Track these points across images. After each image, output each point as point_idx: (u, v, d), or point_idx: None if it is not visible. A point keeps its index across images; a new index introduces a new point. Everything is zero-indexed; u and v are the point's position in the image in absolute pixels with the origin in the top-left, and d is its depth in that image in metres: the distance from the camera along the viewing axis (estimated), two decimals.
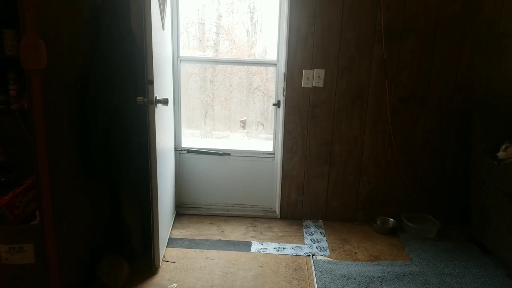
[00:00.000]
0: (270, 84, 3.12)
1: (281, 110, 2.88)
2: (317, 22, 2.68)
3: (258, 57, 3.13)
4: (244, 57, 3.16)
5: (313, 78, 2.77)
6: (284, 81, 2.80)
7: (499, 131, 2.46)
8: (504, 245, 2.25)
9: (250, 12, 3.08)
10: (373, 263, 2.35)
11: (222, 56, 3.15)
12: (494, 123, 2.52)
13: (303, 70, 2.76)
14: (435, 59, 2.72)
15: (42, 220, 1.78)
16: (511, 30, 2.66)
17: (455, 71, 2.74)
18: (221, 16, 3.06)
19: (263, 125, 3.32)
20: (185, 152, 3.02)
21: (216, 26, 3.07)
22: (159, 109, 2.18)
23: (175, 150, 2.99)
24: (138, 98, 2.03)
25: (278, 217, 3.01)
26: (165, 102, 2.15)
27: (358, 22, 2.67)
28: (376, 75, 2.75)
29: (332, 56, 2.73)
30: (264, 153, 3.04)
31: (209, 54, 3.14)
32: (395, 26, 2.67)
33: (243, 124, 3.33)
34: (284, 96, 2.82)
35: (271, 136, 3.06)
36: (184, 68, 3.01)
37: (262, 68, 3.14)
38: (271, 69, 3.01)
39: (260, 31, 3.10)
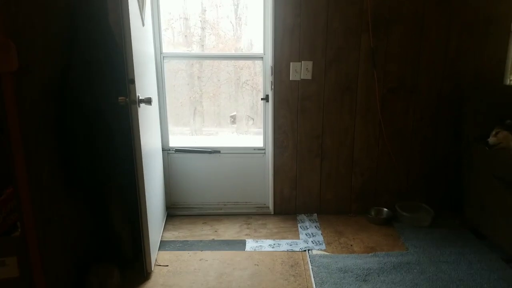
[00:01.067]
0: (259, 78, 3.06)
1: (270, 105, 2.83)
2: (302, 13, 2.62)
3: (245, 51, 3.07)
4: (231, 51, 3.10)
5: (301, 70, 2.71)
6: (271, 74, 2.74)
7: (489, 117, 2.45)
8: (498, 229, 2.25)
9: (235, 5, 3.01)
10: (369, 254, 2.33)
11: (208, 51, 3.07)
12: (484, 109, 2.51)
13: (291, 63, 2.70)
14: (423, 47, 2.69)
15: (24, 231, 1.69)
16: (497, 16, 2.64)
17: (443, 59, 2.71)
18: (205, 10, 2.99)
19: (253, 119, 3.29)
20: (173, 151, 2.95)
21: (201, 21, 3.01)
22: (143, 109, 2.10)
23: (163, 150, 2.91)
24: (119, 98, 1.95)
25: (272, 213, 2.97)
26: (148, 101, 2.07)
27: (345, 12, 2.62)
28: (364, 66, 2.71)
29: (319, 47, 2.68)
30: (254, 148, 2.98)
31: (195, 49, 3.07)
32: (382, 15, 2.63)
33: (233, 119, 3.28)
34: (272, 90, 2.76)
35: (254, 131, 3.00)
36: (170, 65, 2.93)
37: (249, 62, 3.08)
38: (259, 62, 2.95)
39: (245, 24, 3.04)
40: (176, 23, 2.97)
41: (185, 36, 3.03)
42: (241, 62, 3.09)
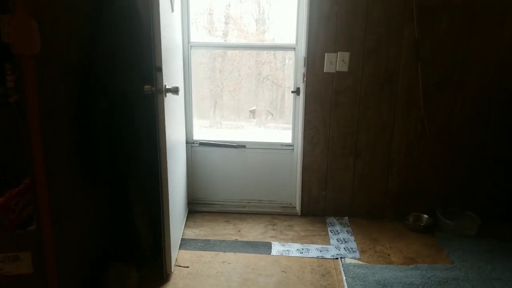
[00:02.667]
0: (279, 73, 3.01)
1: (300, 98, 2.64)
2: (340, 0, 2.41)
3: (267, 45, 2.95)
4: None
5: (336, 62, 2.51)
6: (304, 66, 2.55)
7: None
8: None
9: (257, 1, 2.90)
10: (410, 266, 2.10)
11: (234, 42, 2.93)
12: None
13: (326, 54, 2.50)
14: (473, 39, 2.44)
15: (39, 226, 1.58)
16: None
17: (495, 51, 2.45)
18: (229, 5, 2.93)
19: (272, 114, 3.23)
20: (197, 145, 2.80)
21: (224, 16, 2.95)
22: (169, 99, 1.95)
23: (187, 143, 2.77)
24: (145, 86, 1.82)
25: (299, 214, 2.78)
26: (175, 91, 1.92)
27: None
28: (406, 58, 2.48)
29: (357, 37, 2.47)
30: (282, 144, 2.80)
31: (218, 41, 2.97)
32: (429, 3, 2.38)
33: (252, 114, 3.22)
34: (304, 82, 2.56)
35: (281, 125, 2.86)
36: (194, 56, 2.77)
37: (271, 57, 2.97)
38: (280, 58, 2.81)
39: (268, 19, 2.97)
40: (200, 17, 2.92)
41: (209, 30, 2.98)
42: (263, 57, 2.99)
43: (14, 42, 1.43)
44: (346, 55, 2.51)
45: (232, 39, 3.00)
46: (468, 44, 2.46)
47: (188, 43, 2.66)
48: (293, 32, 2.64)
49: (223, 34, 3.00)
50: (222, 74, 3.12)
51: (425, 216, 2.60)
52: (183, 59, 2.62)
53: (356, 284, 1.93)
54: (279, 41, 2.89)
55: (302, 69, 2.59)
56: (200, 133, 2.93)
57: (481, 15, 2.40)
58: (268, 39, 2.99)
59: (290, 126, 2.80)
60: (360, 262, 2.15)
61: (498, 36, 2.43)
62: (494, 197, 2.63)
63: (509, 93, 2.48)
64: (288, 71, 2.98)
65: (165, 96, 1.86)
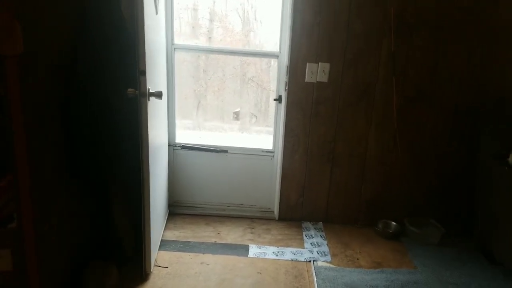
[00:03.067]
0: (265, 75, 3.00)
1: (282, 106, 2.72)
2: (323, 11, 2.50)
3: (252, 45, 2.97)
4: (238, 44, 2.99)
5: (317, 72, 2.61)
6: (286, 74, 2.63)
7: (509, 135, 2.34)
8: None
9: None
10: (376, 270, 2.23)
11: (216, 43, 2.96)
12: (505, 126, 2.40)
13: (307, 63, 2.60)
14: (446, 56, 2.58)
15: (20, 223, 1.60)
16: None
17: (465, 70, 2.60)
18: (215, 1, 2.89)
19: (256, 117, 3.23)
20: (179, 148, 2.85)
21: (209, 13, 2.91)
22: (152, 102, 2.00)
23: (169, 145, 2.82)
24: (129, 89, 1.85)
25: (277, 218, 2.87)
26: (158, 95, 1.97)
27: (367, 13, 2.51)
28: (384, 71, 2.60)
29: (338, 49, 2.57)
30: (263, 150, 2.88)
31: (202, 41, 2.97)
32: (406, 19, 2.51)
33: (236, 115, 3.22)
34: (286, 91, 2.65)
35: (264, 129, 2.92)
36: (177, 54, 2.80)
37: (257, 58, 2.97)
38: (266, 59, 2.85)
39: (255, 19, 2.96)
40: (184, 13, 2.87)
41: (193, 27, 2.94)
42: (249, 58, 3.00)
43: None
44: (326, 66, 2.61)
45: (217, 37, 2.96)
46: (440, 61, 2.58)
47: (172, 45, 2.68)
48: (277, 38, 2.71)
49: (208, 31, 2.97)
50: (206, 74, 3.08)
51: (393, 223, 2.74)
52: (167, 61, 2.65)
53: (326, 286, 2.04)
54: (264, 42, 2.90)
55: (284, 78, 2.68)
56: (183, 136, 2.96)
57: (455, 35, 2.53)
58: (253, 40, 2.98)
59: (273, 130, 2.87)
60: (331, 265, 2.27)
61: (468, 55, 2.57)
62: (459, 208, 2.79)
63: (474, 111, 2.64)
64: (273, 73, 2.99)
65: (149, 100, 1.91)
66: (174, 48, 2.71)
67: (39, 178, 1.63)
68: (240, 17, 2.96)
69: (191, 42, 2.93)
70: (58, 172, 1.79)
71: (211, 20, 2.93)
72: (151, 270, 2.10)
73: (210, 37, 2.98)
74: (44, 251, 1.68)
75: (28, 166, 1.56)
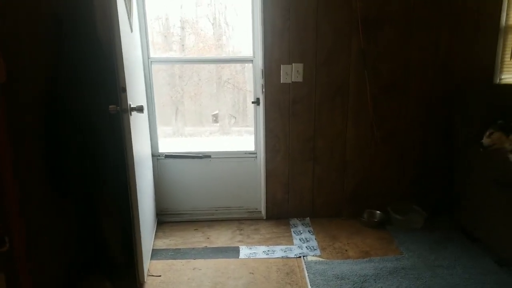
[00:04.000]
0: (240, 76, 3.07)
1: (261, 108, 2.79)
2: (291, 16, 2.59)
3: (226, 49, 3.03)
4: (211, 49, 3.04)
5: (292, 73, 2.69)
6: (262, 77, 2.71)
7: (481, 118, 2.46)
8: (492, 231, 2.27)
9: (217, 4, 2.96)
10: (365, 259, 2.32)
11: (189, 50, 3.01)
12: (476, 109, 2.52)
13: (281, 65, 2.67)
14: (413, 48, 2.69)
15: (12, 246, 1.62)
16: (486, 14, 2.65)
17: (433, 59, 2.72)
18: (184, 10, 2.94)
19: (235, 118, 3.28)
20: (163, 157, 2.88)
21: (180, 21, 2.96)
22: (134, 116, 2.04)
23: (152, 156, 2.85)
24: (110, 106, 1.89)
25: (264, 217, 2.94)
26: (140, 109, 2.01)
27: (334, 14, 2.60)
28: (355, 67, 2.70)
29: (309, 50, 2.66)
30: (246, 153, 2.95)
31: (175, 48, 3.02)
32: (371, 15, 2.62)
33: (215, 118, 3.27)
34: (263, 93, 2.72)
35: (244, 129, 2.98)
36: (153, 66, 2.84)
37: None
38: (239, 63, 2.92)
39: (226, 23, 3.02)
40: (155, 23, 2.91)
41: (165, 36, 2.99)
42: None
43: None
44: (300, 66, 2.69)
45: (190, 43, 3.01)
46: (409, 53, 2.69)
47: (148, 58, 2.73)
48: (250, 42, 2.78)
49: (180, 39, 3.00)
50: (182, 80, 3.12)
51: (378, 212, 2.84)
52: (144, 75, 2.70)
53: (317, 279, 2.11)
54: (237, 45, 2.96)
55: (260, 81, 2.75)
56: (165, 144, 3.00)
57: (420, 26, 2.64)
58: (226, 44, 3.03)
59: (253, 129, 2.94)
60: (321, 259, 2.34)
61: (435, 45, 2.68)
62: (439, 192, 2.91)
63: (446, 98, 2.76)
64: (248, 74, 3.05)
65: (131, 115, 1.95)
66: (151, 62, 2.75)
67: (27, 200, 1.65)
68: (211, 22, 3.00)
69: (165, 52, 2.97)
70: (45, 192, 1.81)
71: (182, 28, 2.98)
72: (145, 280, 2.13)
73: (183, 45, 3.03)
74: (37, 271, 1.70)
75: (16, 189, 1.58)
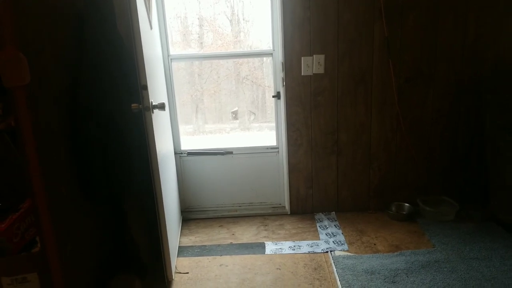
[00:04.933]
0: (258, 72, 3.05)
1: (281, 102, 2.75)
2: (312, 5, 2.53)
3: (244, 45, 3.00)
4: (229, 46, 3.02)
5: (313, 64, 2.63)
6: (282, 71, 2.66)
7: None
8: None
9: (230, 1, 2.94)
10: (395, 253, 2.25)
11: (207, 47, 2.99)
12: (508, 96, 2.40)
13: (302, 57, 2.62)
14: (440, 34, 2.59)
15: (44, 246, 1.65)
16: None
17: (461, 44, 2.61)
18: (202, 7, 2.93)
19: (254, 114, 3.27)
20: (185, 154, 2.89)
21: (198, 19, 2.95)
22: (156, 114, 2.04)
23: (175, 153, 2.86)
24: (132, 105, 1.89)
25: (288, 212, 2.90)
26: (161, 107, 2.01)
27: (356, 1, 2.52)
28: (379, 56, 2.62)
29: (331, 40, 2.59)
30: (268, 147, 2.91)
31: (194, 47, 3.01)
32: (394, 2, 2.53)
33: (235, 115, 3.26)
34: (284, 86, 2.68)
35: (264, 125, 2.95)
36: (173, 64, 2.84)
37: (249, 57, 3.01)
38: (259, 57, 2.89)
39: (243, 19, 2.99)
40: (174, 22, 2.92)
41: (184, 34, 2.99)
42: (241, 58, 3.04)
43: (5, 76, 1.50)
44: (321, 58, 2.63)
45: (208, 41, 3.00)
46: (435, 39, 2.60)
47: (168, 56, 2.74)
48: (269, 36, 2.74)
49: (198, 37, 3.01)
50: (201, 78, 3.12)
51: (407, 205, 2.76)
52: (165, 72, 2.70)
53: (346, 274, 2.06)
54: (256, 42, 2.93)
55: (280, 74, 2.70)
56: (187, 142, 3.01)
57: (446, 11, 2.54)
58: (245, 40, 3.01)
59: (273, 125, 2.90)
60: (349, 254, 2.29)
61: (463, 30, 2.58)
62: (469, 182, 2.80)
63: (475, 84, 2.65)
64: (267, 70, 3.03)
65: (153, 112, 1.95)
66: (171, 59, 2.75)
67: (55, 201, 1.67)
68: (228, 19, 2.99)
69: (184, 50, 2.97)
70: (74, 194, 1.83)
71: (200, 26, 2.98)
72: (173, 277, 2.14)
73: (201, 42, 3.03)
74: (68, 271, 1.72)
75: (45, 190, 1.60)
